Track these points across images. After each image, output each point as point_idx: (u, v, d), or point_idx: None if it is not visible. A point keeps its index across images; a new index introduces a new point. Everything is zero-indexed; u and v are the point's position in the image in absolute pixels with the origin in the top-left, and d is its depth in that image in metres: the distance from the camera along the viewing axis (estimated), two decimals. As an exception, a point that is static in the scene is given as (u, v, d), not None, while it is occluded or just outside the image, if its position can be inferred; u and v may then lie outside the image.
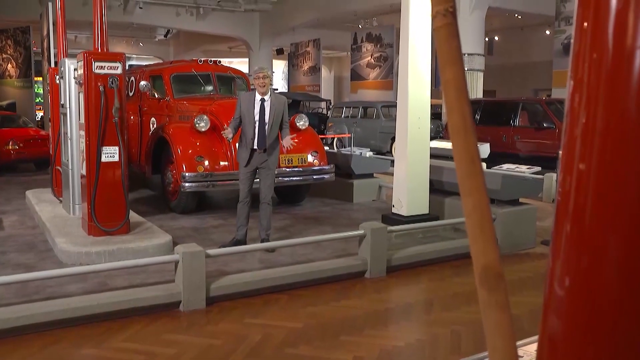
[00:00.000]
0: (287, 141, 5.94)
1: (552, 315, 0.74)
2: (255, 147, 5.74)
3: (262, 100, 5.77)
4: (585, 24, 0.70)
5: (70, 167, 6.67)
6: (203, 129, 7.36)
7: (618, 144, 0.66)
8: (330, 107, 20.32)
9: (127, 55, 8.42)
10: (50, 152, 8.37)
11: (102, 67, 5.60)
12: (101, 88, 5.58)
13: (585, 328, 0.70)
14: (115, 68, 5.68)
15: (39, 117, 21.11)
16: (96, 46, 5.77)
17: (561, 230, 0.73)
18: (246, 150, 5.78)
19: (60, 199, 7.41)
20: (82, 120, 5.85)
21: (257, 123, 5.72)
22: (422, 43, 6.29)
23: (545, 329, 0.76)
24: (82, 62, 5.63)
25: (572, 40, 0.74)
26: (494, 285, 0.81)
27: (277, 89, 25.67)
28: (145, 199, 8.84)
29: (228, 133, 5.78)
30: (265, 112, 5.75)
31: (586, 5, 0.70)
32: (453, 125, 0.84)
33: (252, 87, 6.42)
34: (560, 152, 0.74)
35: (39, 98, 22.76)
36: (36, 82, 21.69)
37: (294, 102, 19.06)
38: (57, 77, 7.22)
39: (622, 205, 0.66)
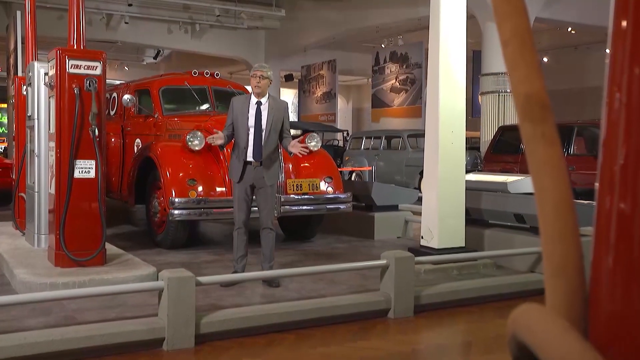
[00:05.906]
0: (296, 147, 5.89)
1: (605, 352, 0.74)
2: (250, 158, 5.73)
3: (258, 104, 5.78)
4: (624, 23, 0.66)
5: (36, 190, 6.70)
6: (197, 148, 7.39)
7: None
8: (348, 138, 20.42)
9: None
10: (13, 177, 8.43)
11: (77, 66, 5.68)
12: (76, 90, 5.63)
13: None
14: (94, 68, 5.75)
15: (2, 149, 21.40)
16: (71, 42, 5.86)
17: (604, 262, 0.72)
18: (239, 163, 5.76)
19: (24, 231, 7.43)
20: (53, 130, 5.90)
21: (252, 130, 5.72)
22: (455, 39, 6.33)
23: None
24: (55, 60, 5.71)
25: (607, 50, 0.71)
26: (539, 116, 0.79)
27: None
28: (126, 234, 8.85)
29: (217, 138, 5.76)
30: (262, 117, 5.75)
31: (624, 3, 0.66)
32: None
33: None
34: (597, 184, 0.73)
35: (3, 128, 23.17)
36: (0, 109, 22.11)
37: (305, 132, 19.18)
38: (25, 86, 7.34)
39: None
